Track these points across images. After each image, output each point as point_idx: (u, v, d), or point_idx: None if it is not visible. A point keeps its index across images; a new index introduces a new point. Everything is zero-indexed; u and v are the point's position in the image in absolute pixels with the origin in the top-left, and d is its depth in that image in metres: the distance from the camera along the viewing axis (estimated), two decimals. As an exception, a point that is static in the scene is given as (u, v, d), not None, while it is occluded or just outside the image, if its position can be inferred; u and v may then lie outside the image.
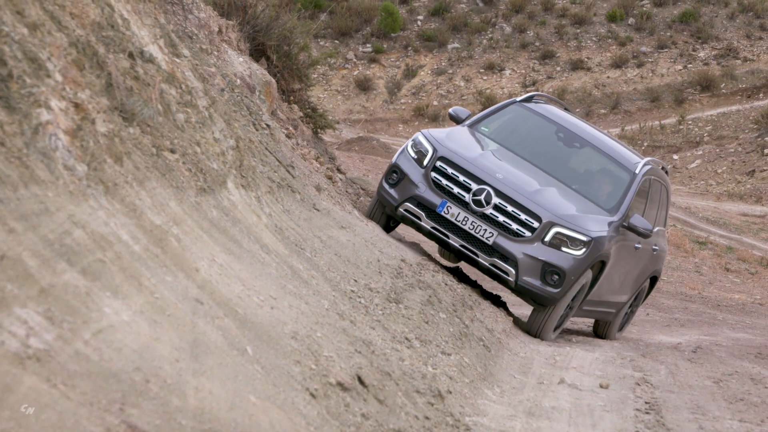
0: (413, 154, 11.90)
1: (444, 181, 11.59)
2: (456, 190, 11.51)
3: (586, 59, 51.07)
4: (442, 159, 11.66)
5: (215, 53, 12.31)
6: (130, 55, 6.16)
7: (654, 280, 14.47)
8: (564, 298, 11.66)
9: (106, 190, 4.67)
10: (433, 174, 11.64)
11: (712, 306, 19.99)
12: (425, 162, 11.73)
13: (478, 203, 11.39)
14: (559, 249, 11.39)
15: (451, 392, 7.06)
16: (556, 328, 12.15)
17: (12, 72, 4.19)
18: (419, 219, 11.65)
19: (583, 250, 11.42)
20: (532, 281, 11.47)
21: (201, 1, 13.25)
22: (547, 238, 11.37)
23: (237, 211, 7.03)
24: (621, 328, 14.37)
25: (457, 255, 11.91)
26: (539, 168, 12.34)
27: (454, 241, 11.55)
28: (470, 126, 12.89)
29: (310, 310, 6.16)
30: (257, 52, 15.31)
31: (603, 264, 11.98)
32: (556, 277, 11.42)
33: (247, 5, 15.02)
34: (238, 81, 12.25)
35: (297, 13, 16.81)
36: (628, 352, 12.44)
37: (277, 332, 5.24)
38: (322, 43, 50.46)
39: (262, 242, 7.09)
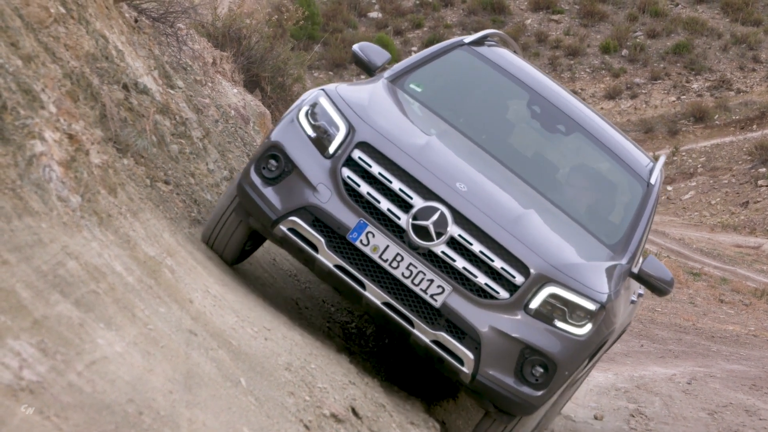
0: (309, 130, 6.57)
1: (364, 187, 6.34)
2: (385, 204, 6.30)
3: (579, 90, 51.27)
4: (365, 147, 6.45)
5: (209, 84, 12.34)
6: (125, 87, 6.17)
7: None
8: (545, 404, 6.82)
9: (100, 222, 4.67)
10: (347, 172, 6.37)
11: (707, 337, 19.98)
12: (332, 147, 6.45)
13: (421, 233, 6.22)
14: (550, 323, 6.39)
15: (445, 423, 7.04)
16: None
17: (6, 103, 4.19)
18: (314, 249, 6.34)
19: (589, 326, 6.47)
20: (500, 377, 6.38)
21: (195, 32, 13.30)
22: (534, 304, 6.34)
23: (231, 242, 7.02)
24: None
25: (374, 317, 6.65)
26: (510, 170, 7.35)
27: (373, 295, 6.29)
28: (392, 81, 7.61)
29: (304, 341, 6.15)
30: (251, 84, 15.37)
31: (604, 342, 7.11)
32: (541, 371, 6.44)
33: (242, 37, 15.09)
34: (233, 112, 12.27)
35: (291, 44, 16.89)
36: (623, 383, 12.42)
37: (271, 363, 5.22)
38: (316, 74, 50.62)
39: (256, 273, 7.08)
